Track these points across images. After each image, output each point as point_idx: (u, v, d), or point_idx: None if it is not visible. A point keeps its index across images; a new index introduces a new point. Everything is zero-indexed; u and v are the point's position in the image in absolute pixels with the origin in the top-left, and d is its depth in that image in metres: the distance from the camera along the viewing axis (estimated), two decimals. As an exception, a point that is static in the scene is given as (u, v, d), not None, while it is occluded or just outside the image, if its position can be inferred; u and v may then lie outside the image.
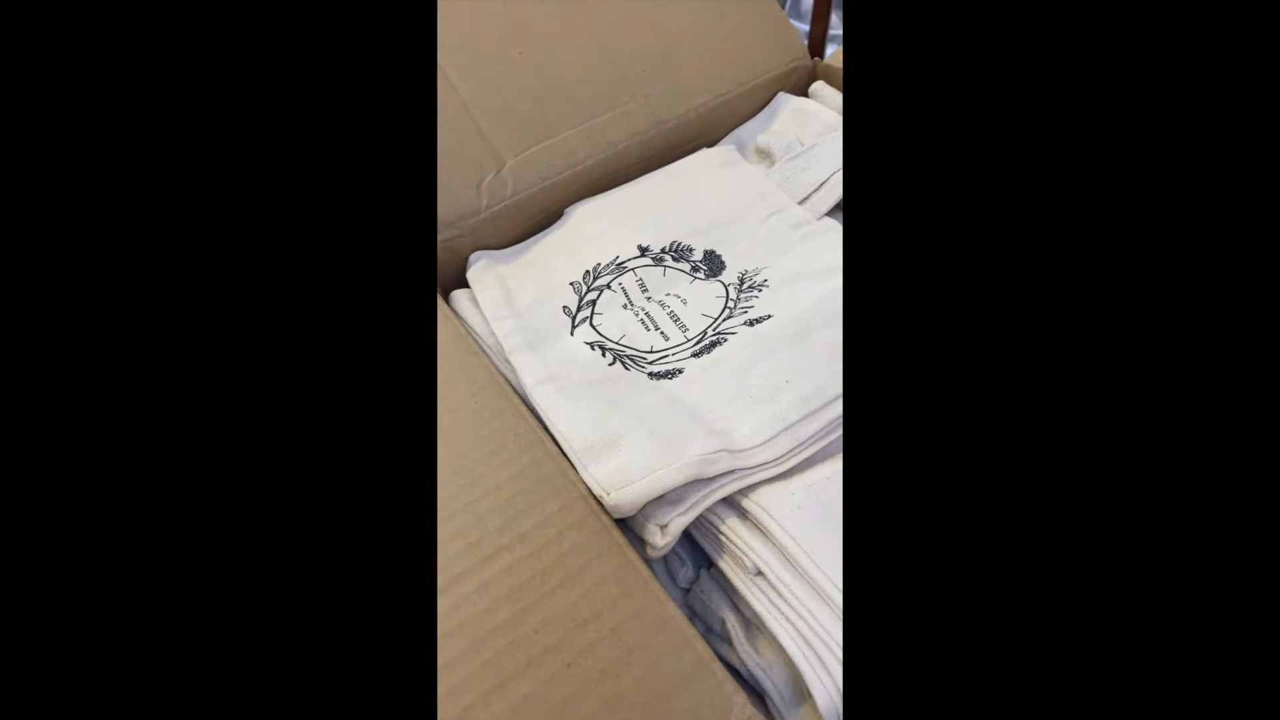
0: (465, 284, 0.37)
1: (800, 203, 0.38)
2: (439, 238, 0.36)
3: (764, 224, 0.38)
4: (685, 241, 0.37)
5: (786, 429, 0.28)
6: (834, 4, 0.54)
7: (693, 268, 0.36)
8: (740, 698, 0.21)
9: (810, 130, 0.41)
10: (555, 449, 0.27)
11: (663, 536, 0.27)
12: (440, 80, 0.37)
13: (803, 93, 0.44)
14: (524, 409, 0.28)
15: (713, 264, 0.37)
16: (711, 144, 0.42)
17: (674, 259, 0.37)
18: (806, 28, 0.66)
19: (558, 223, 0.39)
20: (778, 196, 0.38)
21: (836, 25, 0.93)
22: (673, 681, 0.22)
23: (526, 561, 0.24)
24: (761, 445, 0.28)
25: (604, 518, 0.25)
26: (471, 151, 0.37)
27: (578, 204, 0.39)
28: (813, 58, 0.44)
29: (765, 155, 0.41)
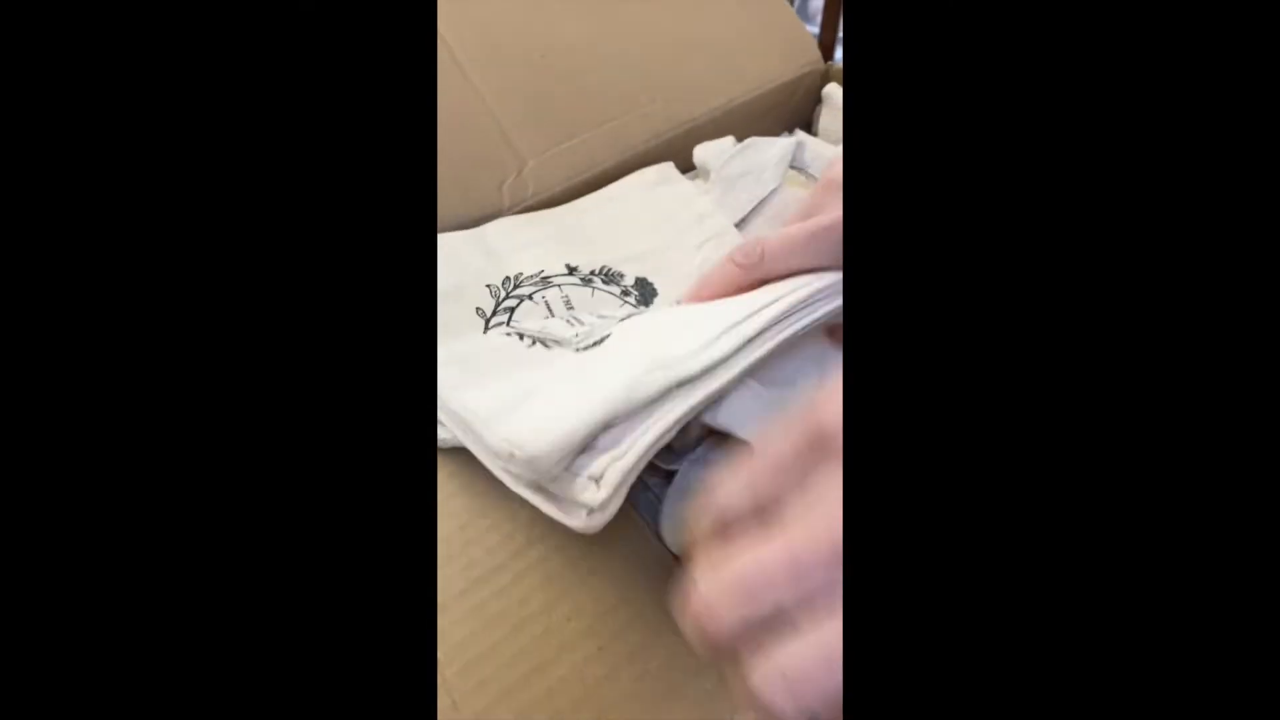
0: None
1: (738, 223, 0.37)
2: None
3: (699, 251, 0.36)
4: (616, 267, 0.36)
5: (731, 327, 0.24)
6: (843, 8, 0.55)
7: (623, 292, 0.35)
8: (761, 679, 0.23)
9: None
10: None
11: (599, 490, 0.22)
12: (464, 83, 0.38)
13: (816, 93, 0.45)
14: (551, 405, 0.30)
15: (644, 291, 0.35)
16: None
17: (603, 281, 0.35)
18: (816, 30, 0.67)
19: (475, 229, 0.36)
20: (714, 221, 0.37)
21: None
22: (699, 662, 0.23)
23: (557, 551, 0.25)
24: (702, 348, 0.23)
25: (628, 507, 0.27)
26: (494, 153, 0.39)
27: (497, 220, 0.37)
28: (826, 62, 0.45)
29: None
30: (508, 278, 0.34)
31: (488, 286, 0.33)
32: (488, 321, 0.32)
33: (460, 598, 0.24)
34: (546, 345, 0.29)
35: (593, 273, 0.35)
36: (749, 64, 0.43)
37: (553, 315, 0.32)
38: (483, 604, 0.23)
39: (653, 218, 0.38)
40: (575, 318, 0.31)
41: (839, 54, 0.50)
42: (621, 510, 0.26)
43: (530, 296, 0.33)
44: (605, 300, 0.34)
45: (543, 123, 0.39)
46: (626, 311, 0.33)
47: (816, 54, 0.45)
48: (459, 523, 0.25)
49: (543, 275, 0.34)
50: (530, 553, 0.25)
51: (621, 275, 0.35)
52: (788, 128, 0.46)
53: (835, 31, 0.58)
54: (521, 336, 0.30)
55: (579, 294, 0.34)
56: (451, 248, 0.35)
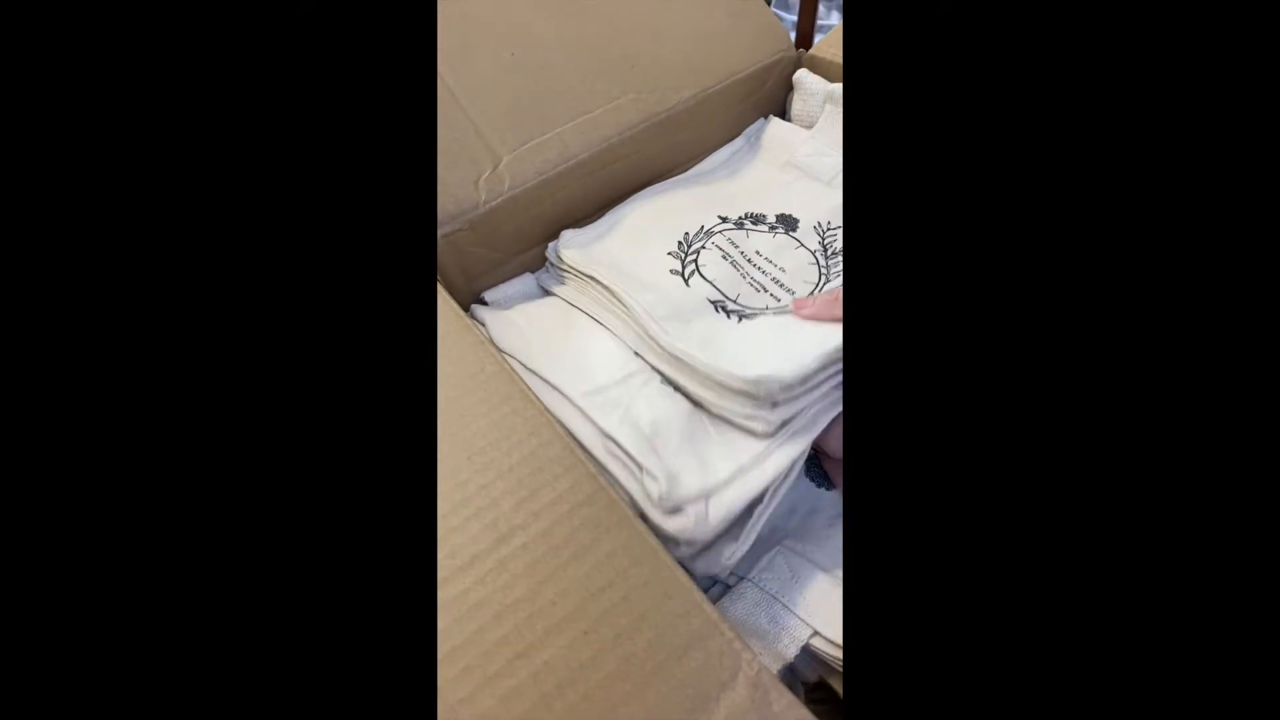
0: (466, 274, 0.38)
1: None
2: (440, 233, 0.37)
3: (830, 185, 0.42)
4: (755, 210, 0.41)
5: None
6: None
7: (770, 228, 0.40)
8: (749, 654, 0.23)
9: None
10: (563, 430, 0.28)
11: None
12: (436, 81, 0.38)
13: (789, 81, 0.46)
14: (530, 393, 0.29)
15: (788, 223, 0.41)
16: (701, 136, 0.43)
17: (752, 224, 0.41)
18: (794, 18, 0.67)
19: (621, 211, 0.41)
20: (812, 144, 0.43)
21: (824, 15, 0.94)
22: (684, 642, 0.23)
23: (541, 538, 0.25)
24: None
25: (612, 493, 0.27)
26: (469, 149, 0.38)
27: (633, 199, 0.42)
28: (799, 49, 0.45)
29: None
30: (680, 241, 0.39)
31: (669, 253, 0.39)
32: (684, 276, 0.38)
33: (442, 586, 0.23)
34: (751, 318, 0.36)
35: (741, 217, 0.41)
36: (720, 53, 0.43)
37: (728, 256, 0.39)
38: (465, 592, 0.23)
39: (767, 165, 0.44)
40: (754, 281, 0.38)
41: (818, 39, 0.50)
42: (606, 496, 0.26)
43: (704, 246, 0.39)
44: (759, 237, 0.40)
45: (515, 118, 0.39)
46: (779, 243, 0.40)
47: (788, 41, 0.45)
48: (440, 512, 0.25)
49: (704, 229, 0.40)
50: (513, 540, 0.25)
51: (764, 215, 0.41)
52: (761, 115, 0.46)
53: (813, 19, 0.58)
54: (728, 314, 0.36)
55: (736, 235, 0.40)
56: (628, 233, 0.40)
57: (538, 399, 0.29)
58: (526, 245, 0.41)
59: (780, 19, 0.90)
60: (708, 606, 0.24)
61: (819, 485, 0.37)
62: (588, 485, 0.27)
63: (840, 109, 0.43)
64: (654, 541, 0.25)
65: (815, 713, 0.33)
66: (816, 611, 0.32)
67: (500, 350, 0.35)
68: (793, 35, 0.46)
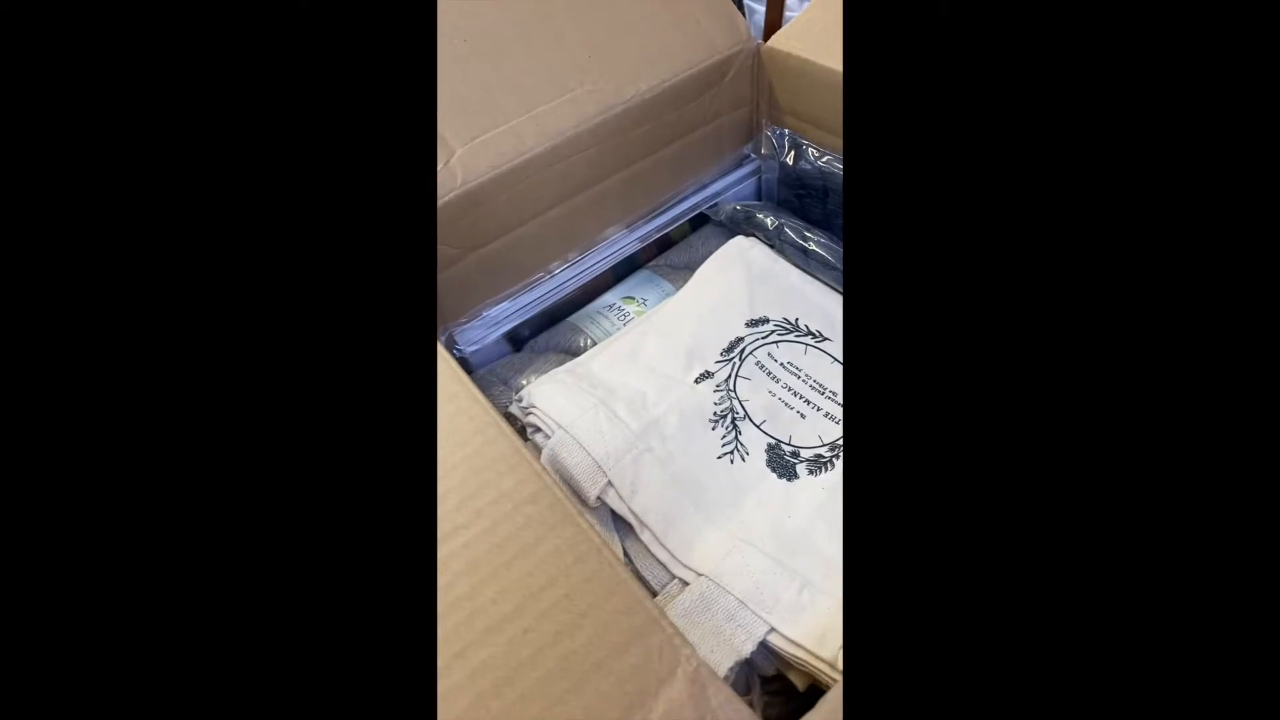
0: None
1: None
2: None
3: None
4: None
5: None
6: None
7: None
8: (688, 650, 0.23)
9: None
10: (508, 428, 0.28)
11: None
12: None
13: (748, 73, 0.45)
14: (477, 392, 0.29)
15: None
16: (659, 129, 0.43)
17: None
18: (762, 9, 0.67)
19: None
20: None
21: (793, 6, 0.94)
22: (624, 639, 0.23)
23: (483, 537, 0.25)
24: None
25: (557, 490, 0.26)
26: (421, 143, 0.38)
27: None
28: (764, 41, 0.45)
29: None
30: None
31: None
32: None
33: (378, 587, 0.23)
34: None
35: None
36: (678, 44, 0.43)
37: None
38: (402, 592, 0.23)
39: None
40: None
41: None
42: (551, 495, 0.26)
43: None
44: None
45: (469, 110, 0.39)
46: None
47: (747, 32, 0.45)
48: (378, 512, 0.25)
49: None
50: (455, 539, 0.25)
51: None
52: (720, 109, 0.46)
53: (781, 10, 0.58)
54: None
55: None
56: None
57: (483, 398, 0.29)
58: (481, 241, 0.41)
59: (752, 10, 0.89)
60: (649, 603, 0.24)
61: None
62: (532, 484, 0.26)
63: None
64: (598, 539, 0.25)
65: (767, 703, 0.33)
66: (774, 608, 0.32)
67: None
68: (748, 28, 0.45)
